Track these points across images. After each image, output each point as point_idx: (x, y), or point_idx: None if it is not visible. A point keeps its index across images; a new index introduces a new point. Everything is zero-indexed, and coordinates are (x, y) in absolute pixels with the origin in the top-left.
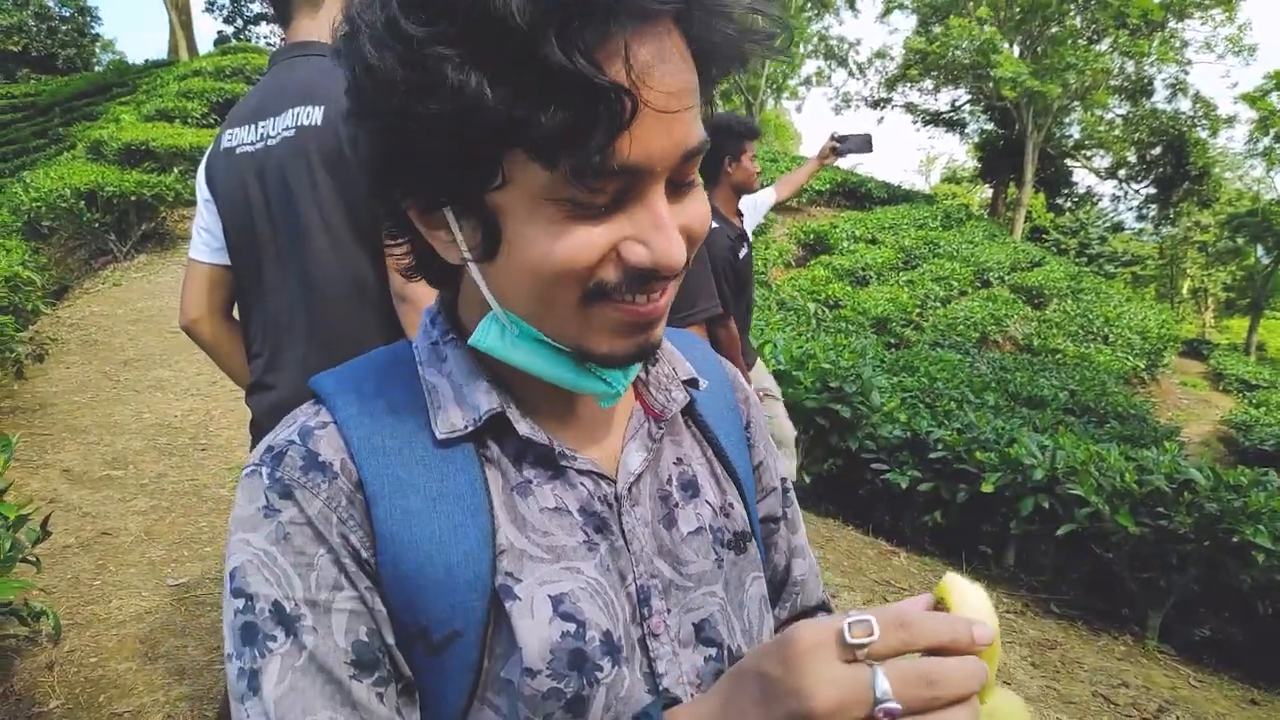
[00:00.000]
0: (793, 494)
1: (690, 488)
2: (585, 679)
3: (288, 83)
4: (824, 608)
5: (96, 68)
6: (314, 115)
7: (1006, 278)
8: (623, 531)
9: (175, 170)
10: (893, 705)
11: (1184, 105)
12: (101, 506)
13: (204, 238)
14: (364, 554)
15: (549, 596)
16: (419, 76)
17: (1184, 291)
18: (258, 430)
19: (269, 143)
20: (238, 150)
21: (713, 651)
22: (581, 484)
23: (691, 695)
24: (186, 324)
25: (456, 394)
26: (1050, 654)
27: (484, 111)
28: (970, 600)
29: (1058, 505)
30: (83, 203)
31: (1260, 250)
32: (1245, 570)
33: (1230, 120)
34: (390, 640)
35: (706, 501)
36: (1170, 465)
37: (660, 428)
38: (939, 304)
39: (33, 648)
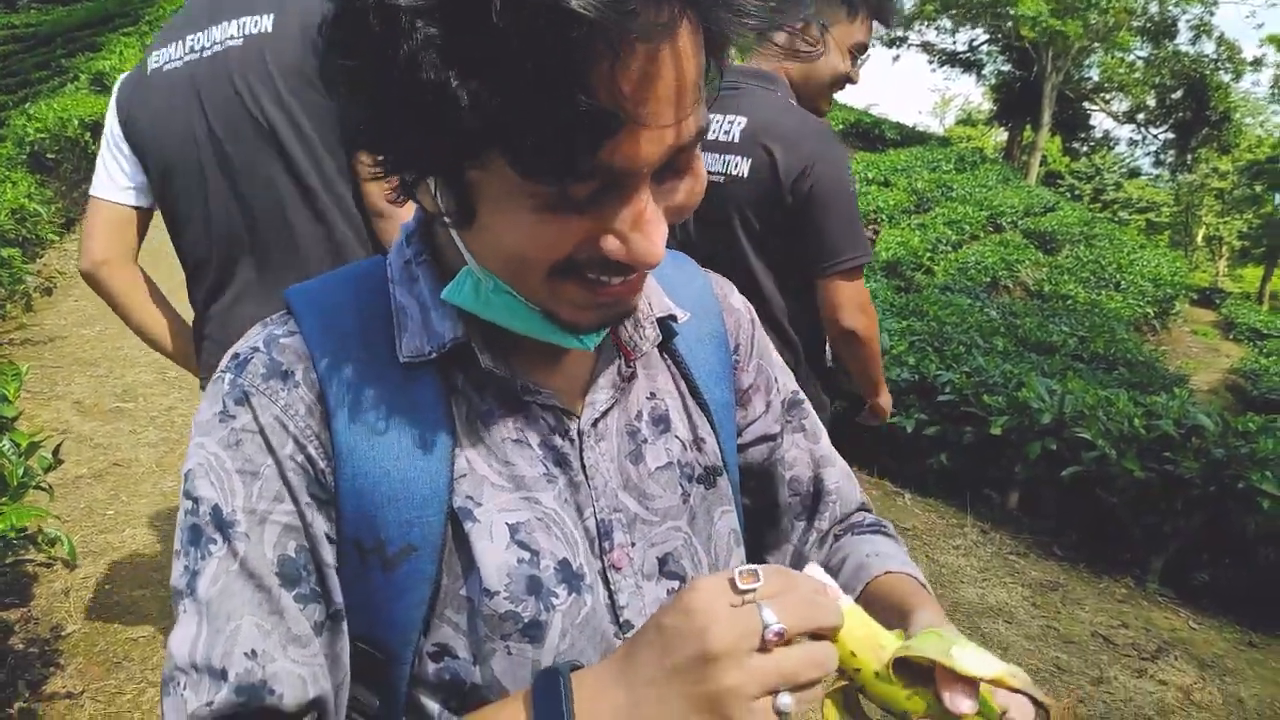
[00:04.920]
0: (808, 405)
1: (662, 422)
2: (542, 604)
3: None
4: (865, 508)
5: None
6: (263, 23)
7: (1019, 222)
8: (583, 466)
9: None
10: (779, 626)
11: (1208, 48)
12: (112, 438)
13: (110, 173)
14: (320, 464)
15: (506, 524)
16: (405, 51)
17: (1198, 239)
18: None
19: (203, 54)
20: (166, 69)
21: (676, 585)
22: (543, 419)
23: None
24: (90, 268)
25: (424, 317)
26: (1051, 595)
27: (461, 110)
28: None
29: (1064, 449)
30: (88, 134)
31: (1278, 198)
32: (1250, 516)
33: (1256, 63)
34: (328, 561)
35: (676, 436)
36: (1179, 411)
37: (631, 365)
38: (950, 248)
39: (49, 574)
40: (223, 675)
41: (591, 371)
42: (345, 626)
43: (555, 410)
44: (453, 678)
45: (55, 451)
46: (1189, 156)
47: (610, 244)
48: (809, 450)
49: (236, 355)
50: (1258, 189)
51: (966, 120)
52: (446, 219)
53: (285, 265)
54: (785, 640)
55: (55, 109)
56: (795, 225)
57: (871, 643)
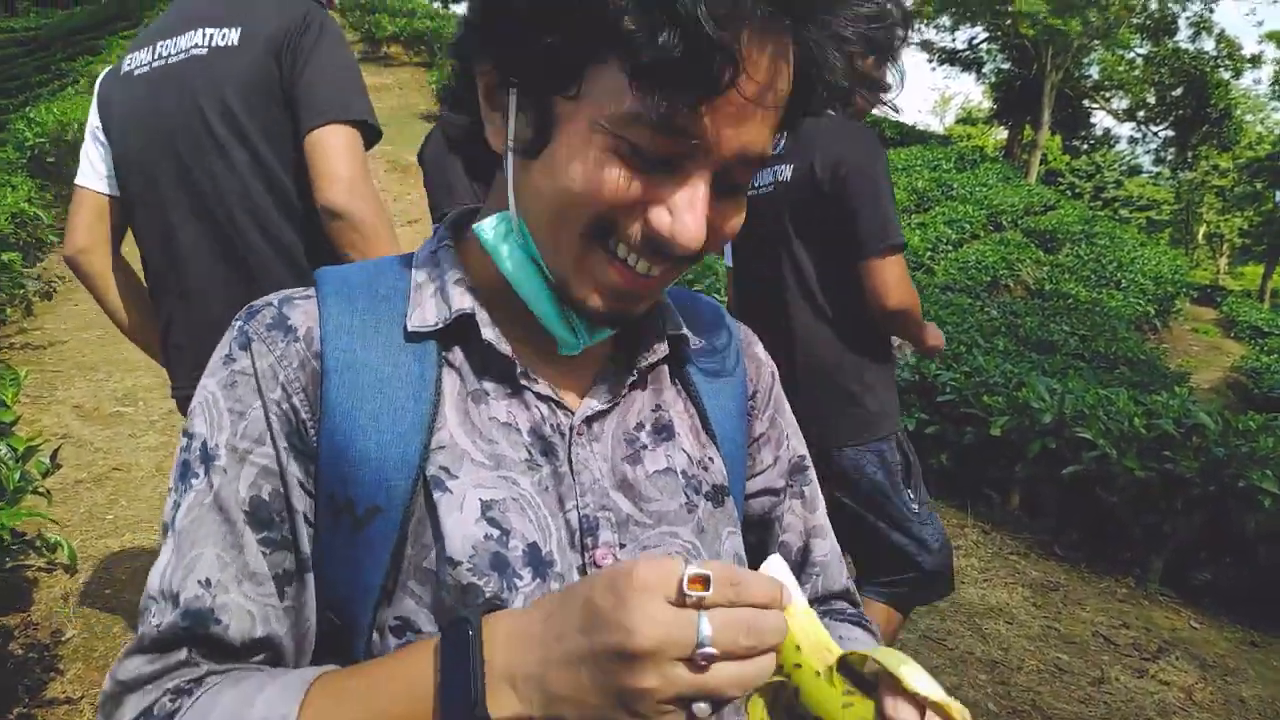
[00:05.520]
0: (812, 473)
1: (665, 432)
2: (505, 582)
3: (195, 4)
4: (848, 596)
5: None
6: (230, 36)
7: (1019, 221)
8: (570, 460)
9: None
10: (711, 650)
11: (1208, 45)
12: (113, 442)
13: (91, 162)
14: (303, 416)
15: (480, 499)
16: None
17: (1199, 237)
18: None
19: (168, 61)
20: (135, 73)
21: None
22: (537, 407)
23: None
24: (73, 254)
25: (438, 293)
26: (1052, 595)
27: (603, 11)
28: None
29: (1065, 449)
30: None
31: (1279, 195)
32: (1251, 515)
33: (1255, 60)
34: (299, 509)
35: (683, 449)
36: (1179, 410)
37: (632, 375)
38: (951, 247)
39: (49, 579)
40: (175, 600)
41: (593, 375)
42: (311, 580)
43: (550, 402)
44: None
45: (53, 456)
46: (1189, 154)
47: (659, 216)
48: (804, 518)
49: (252, 307)
50: (1258, 186)
51: (966, 119)
52: (512, 144)
53: (214, 283)
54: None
55: (55, 113)
56: (834, 217)
57: (818, 643)
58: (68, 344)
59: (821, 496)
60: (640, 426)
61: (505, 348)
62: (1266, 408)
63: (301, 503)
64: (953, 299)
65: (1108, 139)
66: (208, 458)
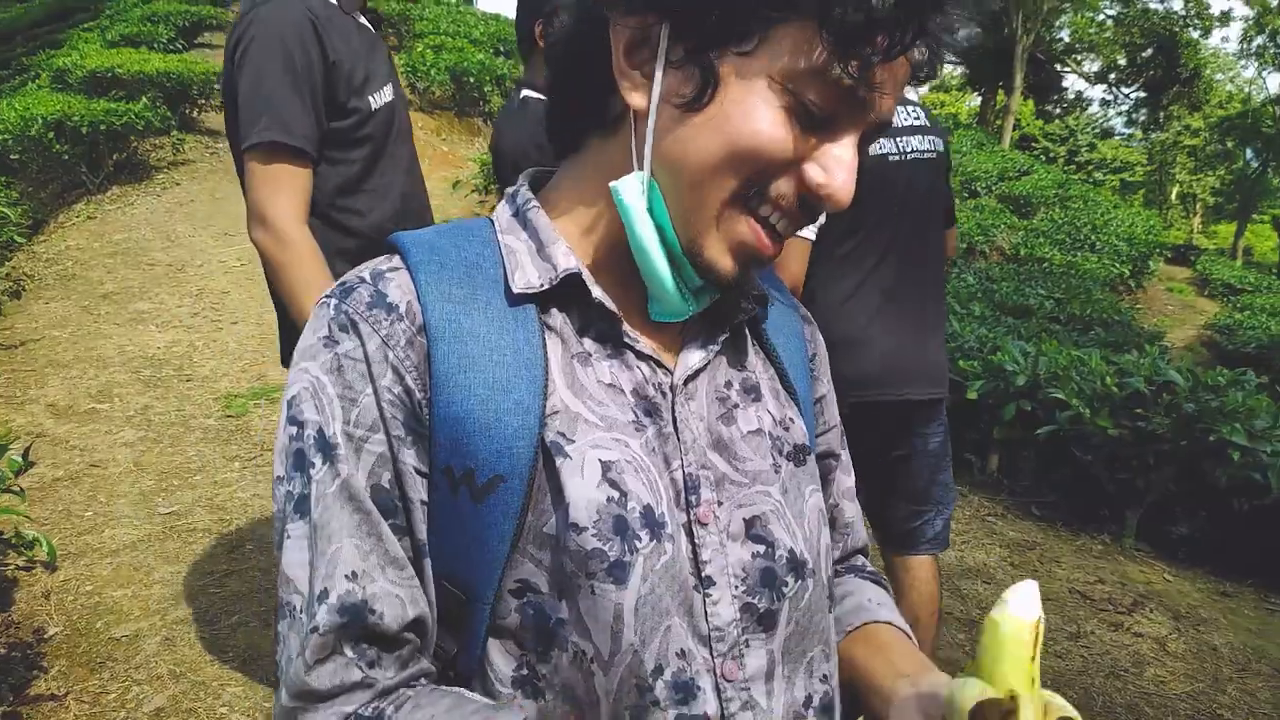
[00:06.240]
0: (844, 439)
1: (753, 392)
2: (626, 545)
3: None
4: (865, 553)
5: None
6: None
7: (994, 187)
8: (674, 420)
9: (144, 98)
10: None
11: (1176, 4)
12: (89, 439)
13: None
14: (418, 394)
15: (599, 461)
16: None
17: (1172, 197)
18: None
19: None
20: None
21: (761, 549)
22: (639, 367)
23: (735, 588)
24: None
25: (536, 254)
26: (1029, 554)
27: None
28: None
29: (1039, 410)
30: (51, 134)
31: (1249, 153)
32: (1221, 468)
33: (1224, 17)
34: (413, 497)
35: (768, 410)
36: (1150, 368)
37: (725, 332)
38: None
39: (29, 577)
40: (325, 596)
41: (682, 334)
42: (428, 564)
43: (651, 361)
44: (536, 614)
45: (25, 454)
46: (1161, 115)
47: (814, 171)
48: (840, 481)
49: (344, 284)
50: (1229, 144)
51: (939, 87)
52: (676, 100)
53: None
54: None
55: (18, 108)
56: (947, 188)
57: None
58: (40, 342)
59: (850, 461)
60: (729, 385)
61: (610, 305)
62: (1239, 363)
63: (414, 489)
64: None
65: (1080, 102)
66: (326, 446)
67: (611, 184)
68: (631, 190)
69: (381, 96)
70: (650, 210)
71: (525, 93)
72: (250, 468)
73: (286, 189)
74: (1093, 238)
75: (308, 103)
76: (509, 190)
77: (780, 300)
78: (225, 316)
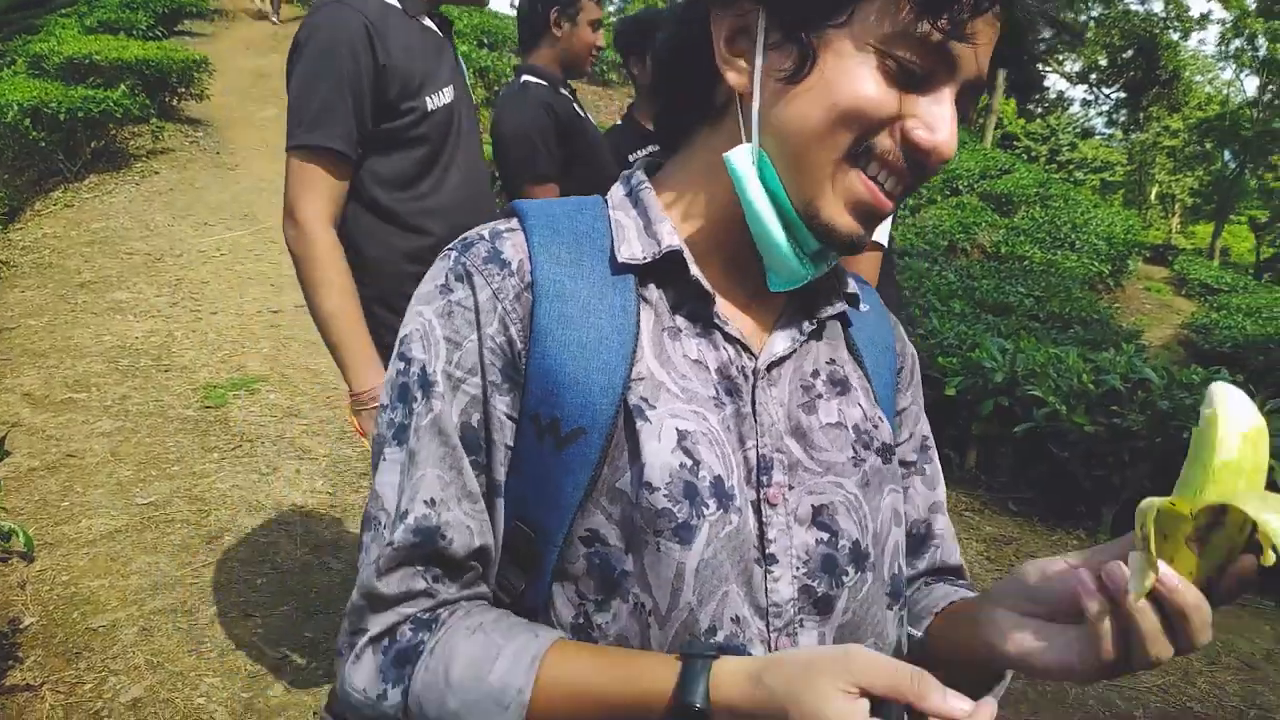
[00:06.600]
0: (935, 453)
1: (840, 385)
2: (694, 510)
3: None
4: (961, 573)
5: None
6: None
7: (975, 185)
8: (753, 402)
9: (122, 85)
10: None
11: (1157, 6)
12: (65, 429)
13: None
14: (518, 345)
15: (677, 429)
16: None
17: (1151, 197)
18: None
19: None
20: None
21: (826, 536)
22: (725, 348)
23: (797, 569)
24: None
25: (643, 230)
26: (1005, 549)
27: None
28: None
29: (1017, 407)
30: (28, 121)
31: (1227, 155)
32: None
33: (1203, 19)
34: (497, 439)
35: (859, 405)
36: (1126, 366)
37: (812, 324)
38: (908, 213)
39: (5, 568)
40: (404, 516)
41: (774, 323)
42: (500, 503)
43: (737, 344)
44: (602, 563)
45: (1, 443)
46: (1141, 115)
47: (918, 128)
48: (926, 494)
49: (465, 239)
50: (1208, 146)
51: None
52: (780, 74)
53: None
54: None
55: None
56: None
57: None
58: (15, 331)
59: (941, 476)
60: (816, 374)
61: (708, 286)
62: (1215, 362)
63: (500, 433)
64: (910, 264)
65: (1061, 102)
66: (426, 383)
67: (724, 154)
68: (742, 159)
69: (440, 97)
70: (762, 178)
71: (525, 78)
72: (229, 458)
73: (318, 190)
74: (1073, 236)
75: (349, 106)
76: (624, 173)
77: (875, 311)
78: (204, 306)
